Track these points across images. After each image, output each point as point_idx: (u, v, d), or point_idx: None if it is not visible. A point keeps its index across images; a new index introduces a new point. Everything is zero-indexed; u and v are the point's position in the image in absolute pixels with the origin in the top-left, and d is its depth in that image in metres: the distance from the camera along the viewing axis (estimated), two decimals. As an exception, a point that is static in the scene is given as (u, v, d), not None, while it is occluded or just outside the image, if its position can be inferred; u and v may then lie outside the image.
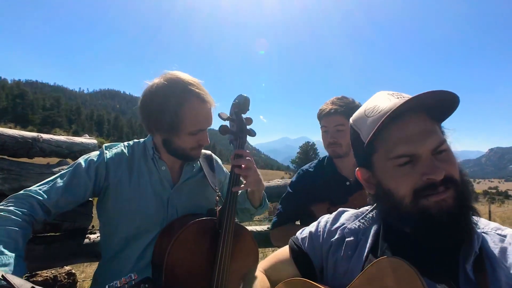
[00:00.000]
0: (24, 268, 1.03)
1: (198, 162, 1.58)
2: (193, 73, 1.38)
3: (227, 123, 1.46)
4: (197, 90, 1.34)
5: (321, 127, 1.94)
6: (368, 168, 0.86)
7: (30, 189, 1.23)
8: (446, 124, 0.83)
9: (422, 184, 0.74)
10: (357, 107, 1.67)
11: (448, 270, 0.74)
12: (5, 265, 0.96)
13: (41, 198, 1.21)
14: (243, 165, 1.39)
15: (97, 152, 1.42)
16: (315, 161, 2.12)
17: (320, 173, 1.99)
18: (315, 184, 1.94)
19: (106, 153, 1.41)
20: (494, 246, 0.75)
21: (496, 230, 0.79)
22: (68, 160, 2.11)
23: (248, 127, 1.49)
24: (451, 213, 0.73)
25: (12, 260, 0.99)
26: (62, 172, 1.33)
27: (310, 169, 2.05)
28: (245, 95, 1.47)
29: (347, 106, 1.78)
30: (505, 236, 0.76)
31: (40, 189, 1.24)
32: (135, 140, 1.54)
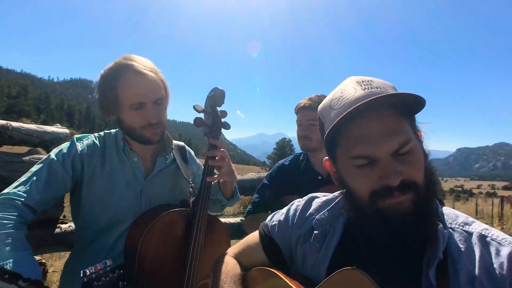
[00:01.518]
0: (37, 263, 1.09)
1: (172, 153, 1.58)
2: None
3: (202, 115, 1.48)
4: (136, 63, 1.33)
5: (296, 121, 2.03)
6: (333, 161, 0.85)
7: (7, 192, 1.19)
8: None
9: (379, 187, 0.73)
10: None
11: (411, 275, 0.73)
12: (23, 265, 1.03)
13: (23, 199, 1.19)
14: (217, 156, 1.42)
15: (68, 144, 1.39)
16: (292, 155, 2.22)
17: (294, 167, 2.09)
18: (289, 177, 2.05)
19: (78, 145, 1.38)
20: (460, 246, 0.73)
21: (463, 226, 0.77)
22: (39, 149, 2.07)
23: (223, 119, 1.52)
24: (407, 217, 0.72)
25: (26, 259, 1.06)
26: (35, 169, 1.29)
27: (285, 163, 2.16)
28: (220, 88, 1.49)
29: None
30: (471, 234, 0.74)
31: (18, 191, 1.20)
32: (106, 131, 1.52)
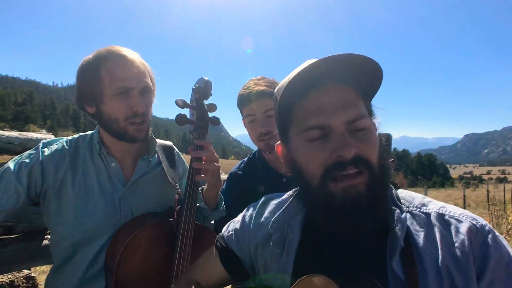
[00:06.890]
0: None
1: (156, 155, 1.42)
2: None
3: (186, 111, 1.31)
4: (117, 49, 1.23)
5: (245, 118, 1.63)
6: (285, 143, 0.81)
7: None
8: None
9: (332, 162, 0.69)
10: None
11: (376, 268, 0.69)
12: None
13: None
14: (204, 158, 1.25)
15: (31, 151, 1.24)
16: (245, 159, 1.81)
17: (251, 175, 1.69)
18: (248, 188, 1.62)
19: (43, 152, 1.23)
20: (420, 229, 0.71)
21: (421, 208, 0.74)
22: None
23: (210, 114, 1.34)
24: (361, 202, 0.68)
25: None
26: None
27: (239, 172, 1.75)
28: (206, 78, 1.31)
29: (274, 87, 1.55)
30: (429, 214, 0.72)
31: None
32: (82, 134, 1.37)
